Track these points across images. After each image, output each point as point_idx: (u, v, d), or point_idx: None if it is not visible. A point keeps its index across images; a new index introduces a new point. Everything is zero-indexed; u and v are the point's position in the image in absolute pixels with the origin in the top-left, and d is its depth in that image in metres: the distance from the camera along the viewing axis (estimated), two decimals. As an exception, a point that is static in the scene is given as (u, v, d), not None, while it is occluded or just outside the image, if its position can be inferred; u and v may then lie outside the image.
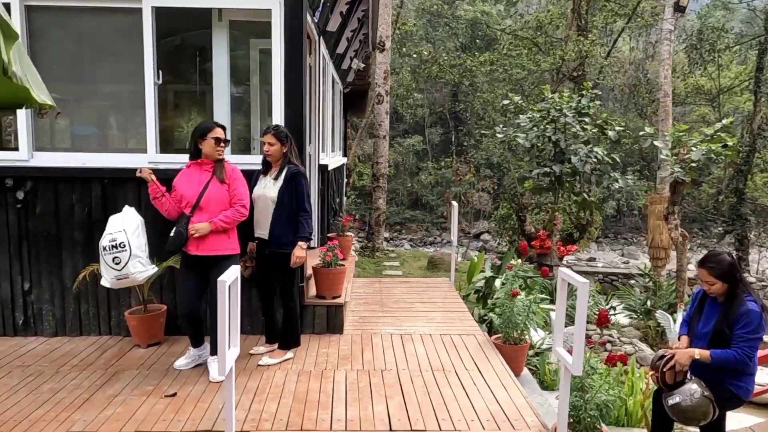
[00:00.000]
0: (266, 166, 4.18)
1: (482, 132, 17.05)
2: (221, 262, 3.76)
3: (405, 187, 27.01)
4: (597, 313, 8.74)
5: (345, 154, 13.13)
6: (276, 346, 4.34)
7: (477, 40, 26.26)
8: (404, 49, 19.05)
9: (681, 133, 7.76)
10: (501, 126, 9.95)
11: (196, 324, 4.04)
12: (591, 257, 18.65)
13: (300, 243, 4.03)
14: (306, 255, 4.16)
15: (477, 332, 5.04)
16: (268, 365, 4.14)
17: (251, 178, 4.23)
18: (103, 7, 4.61)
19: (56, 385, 3.76)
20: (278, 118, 4.58)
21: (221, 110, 4.89)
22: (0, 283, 4.66)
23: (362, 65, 10.72)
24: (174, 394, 3.63)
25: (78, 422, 3.25)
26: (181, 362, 4.10)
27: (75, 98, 5.10)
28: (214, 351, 3.96)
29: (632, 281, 12.78)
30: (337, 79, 9.17)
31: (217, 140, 3.90)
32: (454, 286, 6.88)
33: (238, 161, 4.58)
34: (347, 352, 4.47)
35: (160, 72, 4.63)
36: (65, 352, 4.37)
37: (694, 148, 7.49)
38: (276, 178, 4.04)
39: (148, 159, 4.59)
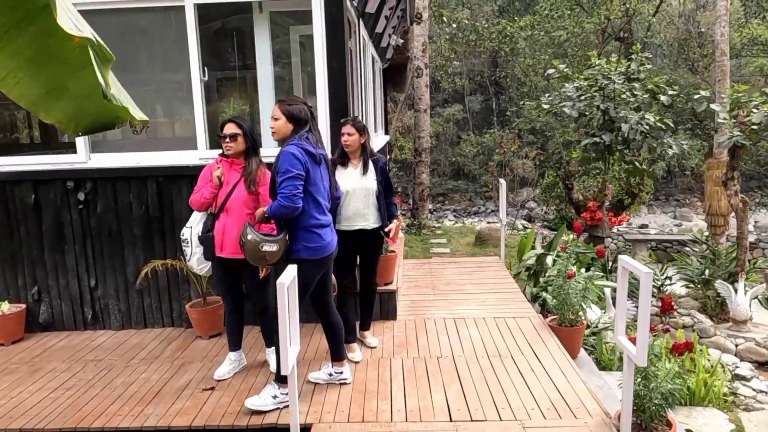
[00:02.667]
0: (344, 158, 4.07)
1: (526, 101, 16.61)
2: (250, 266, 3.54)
3: (446, 158, 26.71)
4: (660, 284, 8.56)
5: (386, 131, 13.07)
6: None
7: (516, 2, 25.42)
8: (442, 17, 18.61)
9: (740, 94, 7.36)
10: (546, 95, 9.65)
11: (233, 325, 3.96)
12: (643, 224, 18.12)
13: (396, 218, 4.22)
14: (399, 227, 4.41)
15: (531, 314, 4.99)
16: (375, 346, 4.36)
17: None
18: (147, 6, 4.66)
19: (128, 379, 3.95)
20: (323, 105, 4.57)
21: (266, 97, 4.92)
22: (69, 280, 4.90)
23: (401, 41, 10.56)
24: (212, 388, 3.75)
25: (151, 417, 3.41)
26: (222, 371, 3.92)
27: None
28: (269, 344, 4.05)
29: (687, 248, 12.37)
30: (376, 58, 9.07)
31: (222, 136, 3.64)
32: (504, 264, 6.81)
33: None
34: (402, 338, 4.51)
35: (206, 68, 4.67)
36: (133, 345, 4.57)
37: (755, 110, 7.10)
38: (365, 170, 4.06)
39: (198, 155, 4.68)
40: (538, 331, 4.59)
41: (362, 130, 4.02)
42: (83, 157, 4.74)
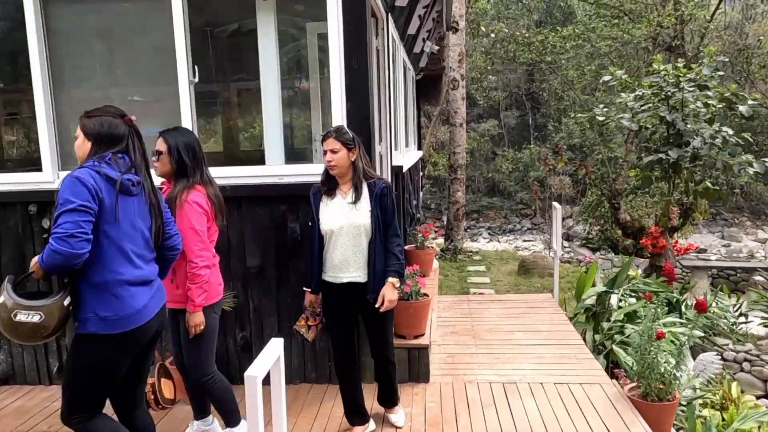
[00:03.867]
0: (330, 184, 3.05)
1: (571, 114, 15.47)
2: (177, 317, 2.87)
3: (481, 174, 25.93)
4: (732, 323, 7.32)
5: (419, 147, 12.13)
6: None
7: (556, 13, 24.36)
8: (481, 28, 17.67)
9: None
10: (601, 106, 8.54)
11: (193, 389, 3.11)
12: (701, 248, 16.63)
13: (392, 279, 2.97)
14: (395, 297, 3.03)
15: (602, 379, 3.90)
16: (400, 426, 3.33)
17: (311, 197, 3.31)
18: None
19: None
20: (339, 114, 3.63)
21: (272, 110, 4.01)
22: (31, 324, 4.04)
23: (436, 47, 9.62)
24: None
25: None
26: None
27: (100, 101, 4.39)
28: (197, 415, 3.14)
29: (760, 277, 10.96)
30: (408, 65, 8.14)
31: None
32: (558, 303, 5.72)
33: (294, 172, 3.70)
34: (436, 413, 3.49)
35: (196, 68, 3.80)
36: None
37: None
38: (357, 199, 2.97)
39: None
40: (615, 406, 3.51)
41: (350, 143, 2.95)
42: (50, 175, 3.91)
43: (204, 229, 2.76)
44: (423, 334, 3.95)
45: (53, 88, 3.92)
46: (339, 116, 3.64)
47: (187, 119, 3.76)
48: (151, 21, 4.05)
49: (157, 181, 2.68)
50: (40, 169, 3.93)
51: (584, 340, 4.91)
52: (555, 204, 5.82)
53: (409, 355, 3.86)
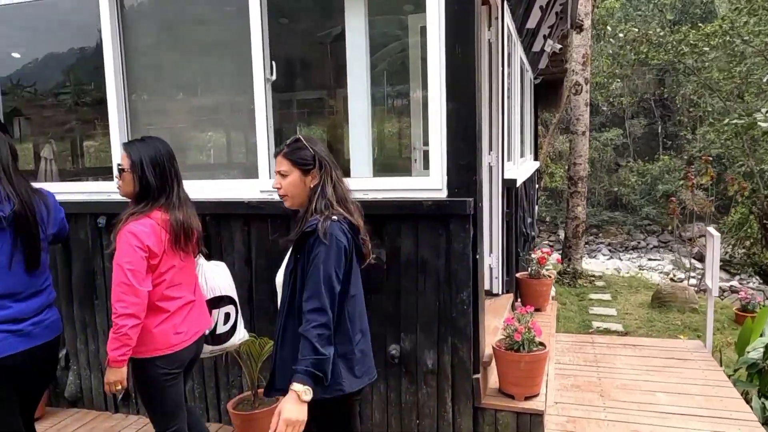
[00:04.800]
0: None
1: (715, 121, 13.61)
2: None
3: (602, 186, 24.15)
4: None
5: (536, 157, 11.09)
6: None
7: (695, 11, 21.92)
8: (607, 28, 16.14)
9: None
10: (764, 110, 7.07)
11: None
12: None
13: (295, 386, 1.81)
14: (299, 417, 1.81)
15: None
16: None
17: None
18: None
19: None
20: (437, 117, 2.93)
21: (359, 117, 3.39)
22: (99, 345, 3.72)
23: (558, 46, 8.60)
24: None
25: None
26: None
27: (173, 104, 4.02)
28: None
29: None
30: (526, 65, 7.25)
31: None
32: (711, 354, 4.56)
33: (381, 186, 3.05)
34: None
35: (273, 64, 3.28)
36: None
37: None
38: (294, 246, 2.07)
39: (260, 187, 3.28)
40: None
41: (306, 163, 2.01)
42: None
43: (136, 269, 2.15)
44: (537, 395, 3.11)
45: (127, 96, 3.60)
46: (437, 120, 2.93)
47: (262, 120, 3.25)
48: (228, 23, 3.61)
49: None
50: (111, 178, 3.62)
51: (749, 404, 3.78)
52: (710, 230, 4.66)
53: (518, 421, 3.04)
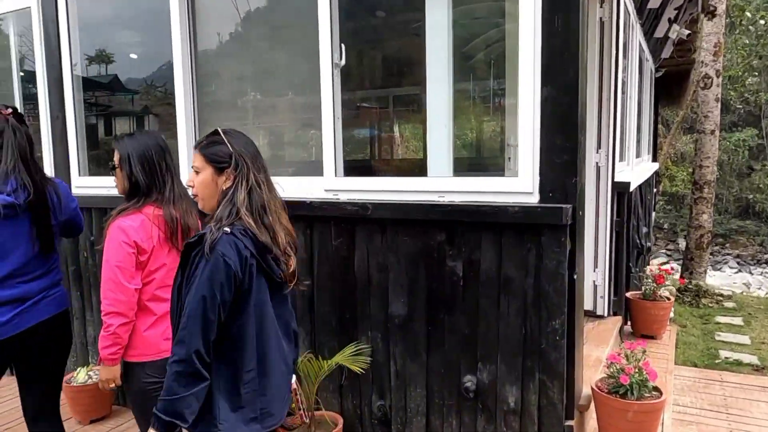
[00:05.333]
0: None
1: None
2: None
3: (731, 192, 21.80)
4: None
5: (654, 158, 9.98)
6: None
7: None
8: (746, 15, 14.31)
9: None
10: None
11: None
12: None
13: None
14: None
15: None
16: None
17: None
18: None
19: None
20: (528, 103, 2.41)
21: (437, 109, 2.92)
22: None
23: (686, 33, 7.57)
24: None
25: None
26: None
27: (232, 94, 3.77)
28: None
29: None
30: (646, 52, 6.39)
31: None
32: None
33: (460, 187, 2.60)
34: None
35: (343, 47, 2.91)
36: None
37: None
38: None
39: (324, 185, 2.93)
40: None
41: (219, 159, 1.72)
42: (185, 181, 3.39)
43: (123, 265, 2.08)
44: (647, 453, 2.50)
45: (196, 92, 3.42)
46: (528, 108, 2.41)
47: (328, 109, 2.89)
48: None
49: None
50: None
51: None
52: None
53: (622, 484, 2.44)
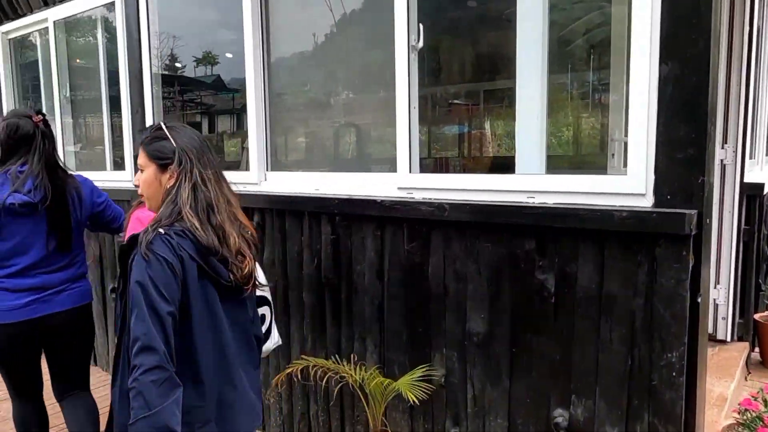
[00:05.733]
0: None
1: None
2: None
3: None
4: None
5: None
6: None
7: None
8: None
9: None
10: None
11: None
12: None
13: None
14: None
15: None
16: None
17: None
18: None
19: None
20: (642, 82, 1.95)
21: (527, 97, 2.51)
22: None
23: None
24: None
25: None
26: None
27: (306, 81, 3.52)
28: None
29: None
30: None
31: None
32: None
33: (554, 186, 2.22)
34: None
35: (421, 27, 2.58)
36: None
37: None
38: None
39: (398, 183, 2.62)
40: None
41: (161, 156, 1.65)
42: (255, 176, 3.22)
43: None
44: None
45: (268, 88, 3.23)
46: (643, 88, 1.96)
47: (403, 97, 2.58)
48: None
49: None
50: (247, 168, 3.29)
51: None
52: None
53: None
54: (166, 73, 4.10)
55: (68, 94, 4.71)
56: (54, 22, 4.50)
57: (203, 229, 1.53)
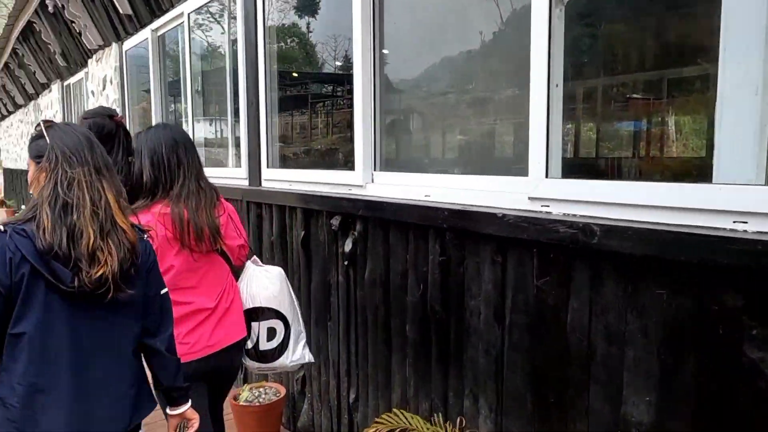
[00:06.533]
0: None
1: None
2: None
3: None
4: None
5: None
6: None
7: None
8: None
9: None
10: None
11: None
12: None
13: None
14: None
15: None
16: None
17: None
18: None
19: None
20: (753, 43, 1.03)
21: (737, 81, 1.62)
22: (329, 375, 2.98)
23: None
24: None
25: None
26: None
27: (427, 72, 2.84)
28: None
29: None
30: None
31: None
32: None
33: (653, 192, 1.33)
34: None
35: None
36: None
37: None
38: None
39: (528, 191, 1.90)
40: None
41: (37, 154, 1.65)
42: (360, 178, 2.69)
43: None
44: None
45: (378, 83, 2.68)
46: (755, 59, 1.04)
47: (540, 70, 1.84)
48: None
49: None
50: (352, 167, 2.76)
51: None
52: None
53: None
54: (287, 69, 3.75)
55: (199, 88, 4.64)
56: (188, 14, 4.43)
57: (52, 228, 1.48)
